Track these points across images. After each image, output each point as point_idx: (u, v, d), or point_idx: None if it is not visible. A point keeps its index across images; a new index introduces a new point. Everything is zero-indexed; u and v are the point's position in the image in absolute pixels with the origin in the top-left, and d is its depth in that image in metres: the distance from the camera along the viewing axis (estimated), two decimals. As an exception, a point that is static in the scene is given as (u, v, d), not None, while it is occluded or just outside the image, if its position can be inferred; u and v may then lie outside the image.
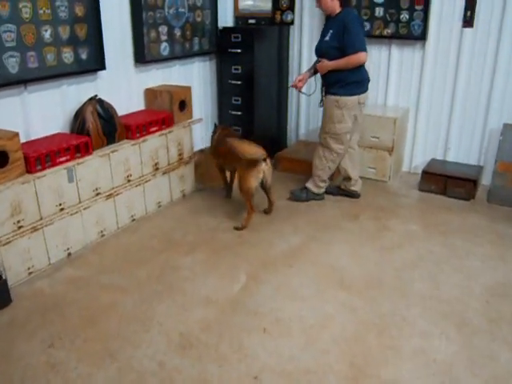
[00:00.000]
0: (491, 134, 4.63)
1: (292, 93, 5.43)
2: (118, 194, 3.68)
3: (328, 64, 3.89)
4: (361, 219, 4.04)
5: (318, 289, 3.10)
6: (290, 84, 4.36)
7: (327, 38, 3.87)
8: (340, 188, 4.45)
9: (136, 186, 3.84)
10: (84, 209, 3.43)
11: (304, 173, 4.75)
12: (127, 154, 3.70)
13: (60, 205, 3.25)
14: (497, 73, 4.43)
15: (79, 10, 3.49)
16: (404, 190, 4.66)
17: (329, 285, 3.14)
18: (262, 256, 3.45)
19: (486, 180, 4.69)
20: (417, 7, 4.52)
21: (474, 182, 4.39)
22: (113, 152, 3.58)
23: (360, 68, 3.92)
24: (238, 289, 3.08)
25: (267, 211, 4.12)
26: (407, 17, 4.59)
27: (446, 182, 4.46)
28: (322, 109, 4.22)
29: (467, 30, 4.44)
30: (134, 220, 3.89)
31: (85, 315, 2.83)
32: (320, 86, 4.17)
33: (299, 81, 4.13)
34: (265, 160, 3.75)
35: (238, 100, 4.88)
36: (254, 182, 3.73)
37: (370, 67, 4.86)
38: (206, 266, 3.31)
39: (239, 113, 4.91)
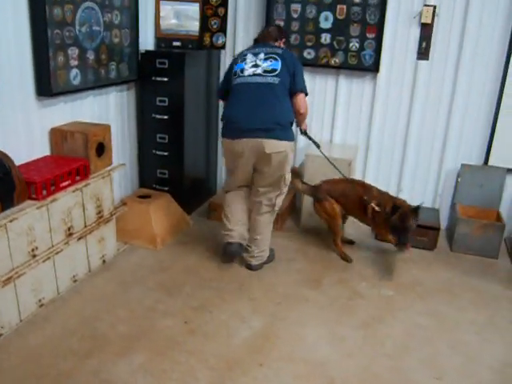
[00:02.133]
0: (447, 174, 4.25)
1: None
2: (19, 276, 2.69)
3: None
4: (324, 285, 3.40)
5: (305, 398, 2.38)
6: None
7: None
8: None
9: (44, 260, 2.86)
10: (-29, 305, 2.42)
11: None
12: (31, 221, 2.73)
13: None
14: (454, 109, 4.06)
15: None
16: (360, 240, 4.10)
17: (317, 390, 2.44)
18: (222, 352, 2.65)
19: (442, 224, 4.28)
20: (368, 35, 4.03)
21: (437, 230, 3.95)
22: (11, 221, 2.59)
23: (228, 104, 3.30)
24: (202, 411, 2.27)
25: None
26: (357, 45, 4.07)
27: (406, 231, 3.97)
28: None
29: (422, 62, 4.03)
30: (42, 305, 2.91)
31: None
32: None
33: None
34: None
35: (163, 138, 4.04)
36: None
37: (314, 99, 4.33)
38: (152, 377, 2.44)
39: (165, 153, 4.08)
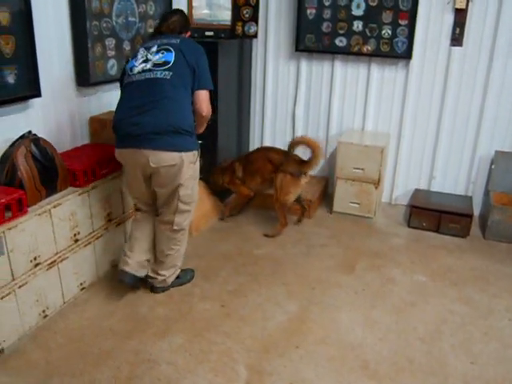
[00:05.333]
0: (481, 161, 4.21)
1: (255, 116, 4.75)
2: (62, 260, 2.81)
3: None
4: (358, 270, 3.43)
5: (340, 380, 2.43)
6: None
7: None
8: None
9: (85, 245, 2.97)
10: (19, 287, 2.53)
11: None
12: (73, 207, 2.84)
13: (-14, 288, 2.35)
14: (488, 95, 4.01)
15: (3, 18, 2.60)
16: (392, 227, 4.11)
17: (351, 372, 2.48)
18: (258, 335, 2.72)
19: (475, 211, 4.25)
20: (401, 22, 3.99)
21: (470, 217, 3.93)
22: (55, 207, 2.70)
23: (116, 108, 2.72)
24: (241, 390, 2.34)
25: (299, 220, 4.10)
26: (390, 33, 4.05)
27: (439, 218, 3.97)
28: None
29: (456, 48, 3.98)
30: (83, 289, 3.02)
31: None
32: None
33: None
34: (305, 174, 3.75)
35: (197, 127, 4.11)
36: (294, 194, 3.78)
37: (346, 88, 4.33)
38: (191, 356, 2.53)
39: (199, 141, 4.12)
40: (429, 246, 3.81)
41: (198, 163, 2.80)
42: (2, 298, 2.44)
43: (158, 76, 2.56)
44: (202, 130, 2.92)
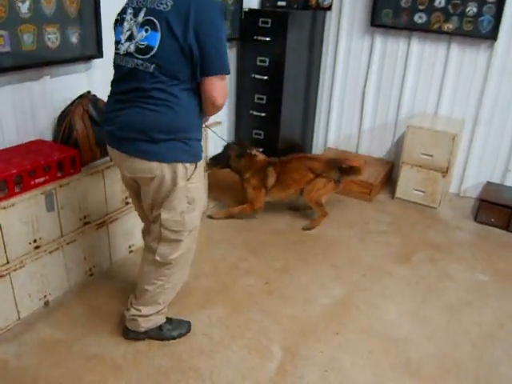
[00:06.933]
0: None
1: (322, 93, 4.59)
2: (112, 222, 2.85)
3: None
4: (414, 261, 3.25)
5: (378, 374, 2.31)
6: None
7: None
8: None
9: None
10: (67, 244, 2.59)
11: (342, 191, 3.90)
12: (126, 170, 2.85)
13: (35, 241, 2.41)
14: None
15: (70, -23, 2.61)
16: (457, 219, 3.86)
17: (391, 367, 2.35)
18: (298, 316, 2.64)
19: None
20: (489, -1, 3.67)
21: (545, 216, 3.62)
22: (108, 168, 2.73)
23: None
24: (273, 371, 2.28)
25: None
26: (475, 10, 3.73)
27: (510, 215, 3.68)
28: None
29: (549, 30, 3.62)
30: (131, 251, 3.07)
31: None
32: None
33: None
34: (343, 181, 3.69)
35: (262, 99, 4.02)
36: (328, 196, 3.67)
37: (422, 68, 4.07)
38: (227, 330, 2.50)
39: (263, 114, 4.06)
40: (495, 244, 3.54)
41: (197, 183, 2.12)
42: (51, 253, 2.50)
43: (140, 68, 1.93)
44: (212, 114, 2.15)
